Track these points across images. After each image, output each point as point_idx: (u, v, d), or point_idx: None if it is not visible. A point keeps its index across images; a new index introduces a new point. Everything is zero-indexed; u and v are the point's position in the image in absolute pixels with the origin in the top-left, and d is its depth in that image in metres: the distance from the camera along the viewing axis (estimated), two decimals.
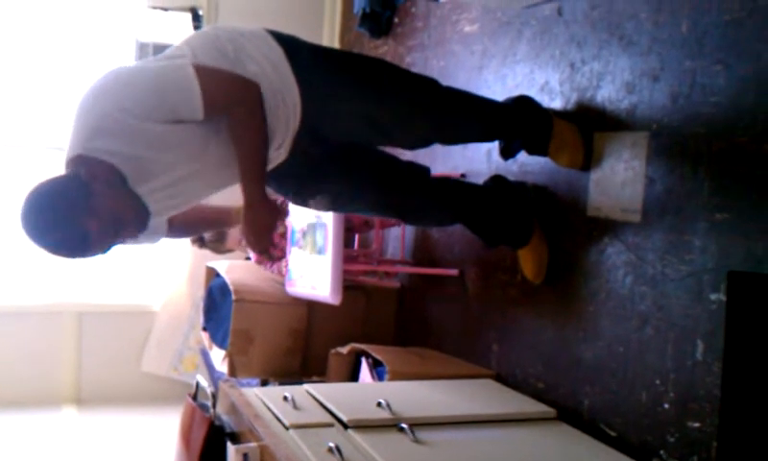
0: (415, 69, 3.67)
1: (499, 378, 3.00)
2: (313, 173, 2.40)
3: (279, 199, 2.86)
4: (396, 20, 4.09)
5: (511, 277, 2.98)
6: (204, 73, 2.02)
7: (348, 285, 3.50)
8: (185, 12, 4.44)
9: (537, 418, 2.54)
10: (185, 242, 3.47)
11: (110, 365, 4.48)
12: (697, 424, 2.14)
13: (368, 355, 3.14)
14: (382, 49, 4.21)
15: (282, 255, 3.69)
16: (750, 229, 2.02)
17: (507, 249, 2.93)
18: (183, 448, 2.55)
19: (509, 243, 2.80)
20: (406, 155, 2.72)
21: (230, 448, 2.24)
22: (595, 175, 2.58)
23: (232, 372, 3.50)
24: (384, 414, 2.36)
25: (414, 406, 2.46)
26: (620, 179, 2.47)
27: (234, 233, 3.66)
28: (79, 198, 1.94)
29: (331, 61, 2.31)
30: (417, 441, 2.20)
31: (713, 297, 2.12)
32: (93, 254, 2.02)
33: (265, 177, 2.17)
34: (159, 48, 4.29)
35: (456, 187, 2.76)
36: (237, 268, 3.77)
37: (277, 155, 2.24)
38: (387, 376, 2.94)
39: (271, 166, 2.24)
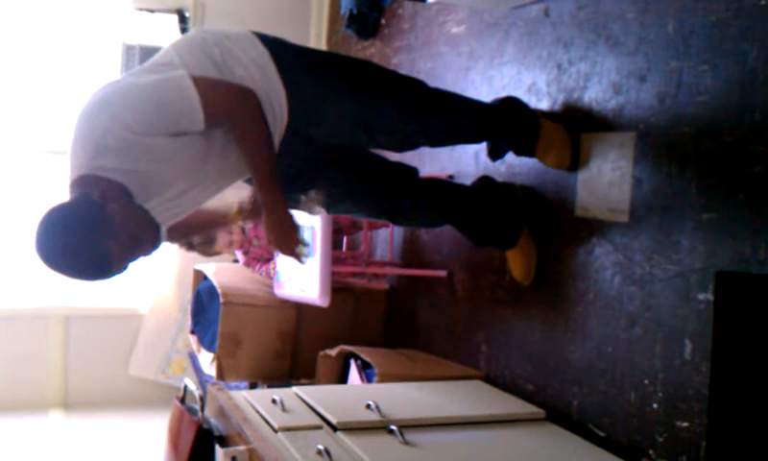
0: (402, 70, 3.67)
1: (488, 380, 3.00)
2: (301, 175, 2.39)
3: None
4: (383, 22, 4.08)
5: (499, 278, 2.98)
6: (202, 84, 2.01)
7: (337, 287, 3.50)
8: (172, 13, 4.43)
9: (526, 419, 2.55)
10: (172, 245, 3.46)
11: (98, 369, 4.46)
12: (686, 424, 2.15)
13: (356, 357, 3.13)
14: (369, 50, 4.20)
15: (271, 258, 3.68)
16: (737, 228, 2.03)
17: (495, 250, 2.93)
18: (172, 452, 2.54)
19: (497, 244, 2.80)
20: (394, 157, 2.72)
21: (219, 451, 2.23)
22: (583, 175, 2.58)
23: (221, 375, 3.49)
24: (373, 416, 2.35)
25: (403, 408, 2.46)
26: (607, 179, 2.47)
27: (223, 236, 3.65)
28: (94, 220, 1.91)
29: (318, 63, 2.31)
30: (406, 442, 2.20)
31: (701, 297, 2.12)
32: (112, 275, 2.00)
33: (278, 178, 2.16)
34: (146, 50, 4.28)
35: (444, 188, 2.75)
36: (225, 271, 3.76)
37: None
38: (376, 378, 2.94)
39: None
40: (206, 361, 3.63)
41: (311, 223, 3.17)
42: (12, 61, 4.31)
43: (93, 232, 1.90)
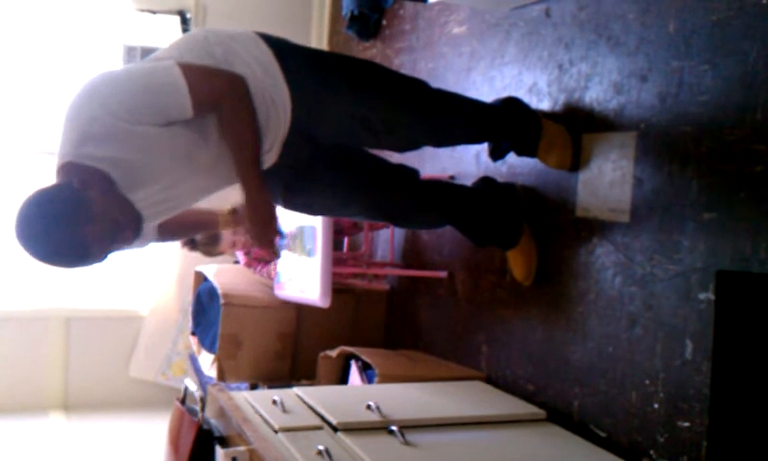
0: (403, 71, 3.66)
1: (489, 380, 3.00)
2: (303, 176, 2.39)
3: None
4: (385, 23, 4.09)
5: (500, 278, 2.98)
6: (189, 70, 2.01)
7: (338, 288, 3.49)
8: (173, 15, 4.43)
9: (527, 419, 2.54)
10: (173, 246, 3.46)
11: (98, 370, 4.45)
12: (687, 424, 2.14)
13: (357, 358, 3.13)
14: (370, 52, 4.20)
15: (271, 259, 3.68)
16: (738, 228, 2.03)
17: (496, 250, 2.93)
18: (172, 453, 2.53)
19: (498, 244, 2.80)
20: (395, 157, 2.72)
21: (219, 452, 2.22)
22: (584, 175, 2.58)
23: (221, 376, 3.49)
24: (374, 416, 2.35)
25: (403, 409, 2.46)
26: (608, 179, 2.47)
27: (227, 236, 3.65)
28: (73, 206, 1.90)
29: (321, 63, 2.31)
30: (406, 443, 2.20)
31: (702, 296, 2.12)
32: (91, 263, 1.99)
33: (260, 169, 2.16)
34: (147, 51, 4.28)
35: (445, 189, 2.75)
36: (225, 272, 3.76)
37: (268, 157, 2.23)
38: (376, 379, 2.93)
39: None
40: (207, 362, 3.63)
41: (312, 223, 3.17)
42: (13, 62, 4.31)
43: (71, 218, 1.90)
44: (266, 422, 2.33)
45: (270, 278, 3.70)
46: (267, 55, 2.19)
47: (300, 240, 3.29)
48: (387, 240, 3.84)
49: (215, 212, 2.59)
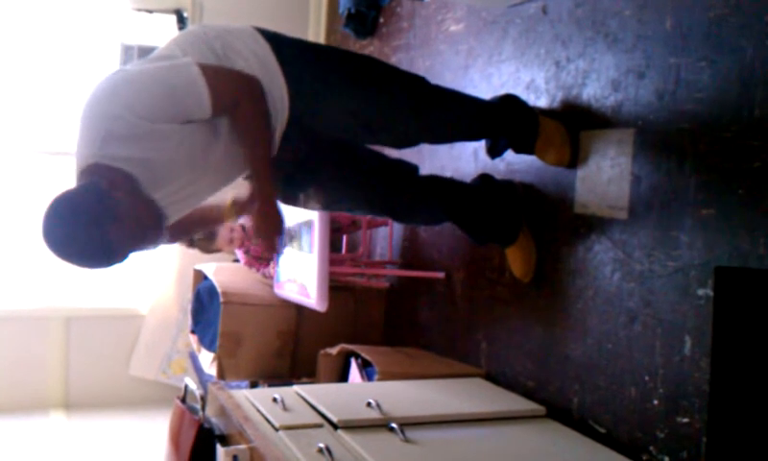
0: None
1: (489, 377, 3.00)
2: (301, 170, 2.39)
3: None
4: (382, 20, 4.09)
5: (499, 275, 2.99)
6: (208, 71, 2.02)
7: (337, 286, 3.50)
8: (170, 14, 4.43)
9: (526, 416, 2.55)
10: (172, 245, 3.46)
11: (99, 369, 4.46)
12: (686, 420, 2.15)
13: (357, 356, 3.14)
14: (367, 49, 4.20)
15: (271, 257, 3.68)
16: (736, 224, 2.03)
17: (495, 247, 2.93)
18: (173, 452, 2.54)
19: (497, 241, 2.81)
20: (393, 154, 2.72)
21: (220, 450, 2.23)
22: (582, 172, 2.58)
23: (221, 374, 3.50)
24: (374, 414, 2.35)
25: (404, 406, 2.46)
26: (606, 176, 2.48)
27: (224, 233, 3.65)
28: (101, 207, 1.89)
29: (319, 57, 2.31)
30: (407, 440, 2.20)
31: (701, 292, 2.12)
32: (115, 263, 1.98)
33: (271, 168, 2.17)
34: (144, 50, 4.28)
35: (444, 185, 2.76)
36: (225, 270, 3.76)
37: None
38: (376, 377, 2.94)
39: None
40: (207, 361, 3.63)
41: (309, 217, 3.16)
42: (11, 62, 4.31)
43: (98, 219, 1.89)
44: (266, 420, 2.34)
45: (269, 276, 3.71)
46: (264, 49, 2.19)
47: (298, 238, 3.30)
48: (385, 237, 3.85)
49: (219, 206, 2.59)
